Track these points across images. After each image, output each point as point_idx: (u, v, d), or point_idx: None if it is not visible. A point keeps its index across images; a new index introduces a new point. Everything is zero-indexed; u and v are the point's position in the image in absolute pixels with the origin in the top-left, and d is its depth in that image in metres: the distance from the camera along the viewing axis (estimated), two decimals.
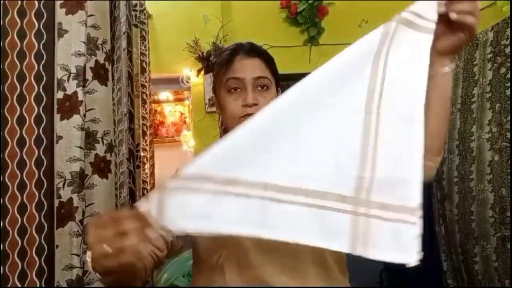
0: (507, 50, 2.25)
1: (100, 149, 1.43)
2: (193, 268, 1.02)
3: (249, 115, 0.95)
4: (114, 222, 0.62)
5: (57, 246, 1.30)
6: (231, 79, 0.98)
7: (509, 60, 2.24)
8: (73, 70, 1.36)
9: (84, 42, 1.37)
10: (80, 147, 1.33)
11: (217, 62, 1.06)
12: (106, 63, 1.48)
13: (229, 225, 0.67)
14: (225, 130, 1.08)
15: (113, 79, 1.58)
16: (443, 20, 0.74)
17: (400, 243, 0.65)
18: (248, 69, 0.97)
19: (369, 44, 0.73)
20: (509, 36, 2.24)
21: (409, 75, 0.72)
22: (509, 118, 2.25)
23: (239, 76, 0.97)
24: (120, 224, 0.61)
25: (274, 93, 1.00)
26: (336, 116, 0.71)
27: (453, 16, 0.73)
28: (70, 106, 1.34)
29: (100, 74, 1.45)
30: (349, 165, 0.68)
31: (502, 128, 2.30)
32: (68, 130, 1.33)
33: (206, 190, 0.66)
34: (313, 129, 0.70)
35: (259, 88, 0.97)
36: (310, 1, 2.90)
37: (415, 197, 0.66)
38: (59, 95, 1.34)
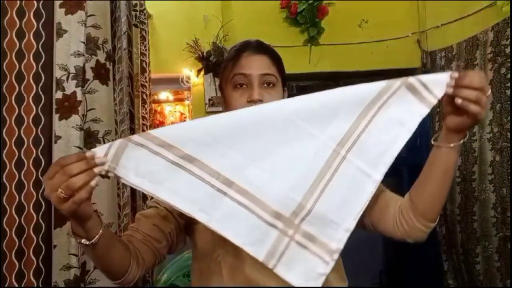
0: (508, 50, 2.25)
1: None
2: (192, 266, 1.02)
3: None
4: (62, 169, 0.66)
5: (55, 246, 1.29)
6: (237, 75, 0.98)
7: (509, 60, 2.24)
8: (72, 70, 1.35)
9: (83, 42, 1.37)
10: (79, 147, 1.33)
11: (224, 58, 1.06)
12: (107, 63, 1.48)
13: (175, 198, 0.71)
14: None
15: (114, 79, 1.58)
16: (452, 100, 0.75)
17: (307, 273, 0.73)
18: (255, 65, 0.97)
19: (368, 91, 0.74)
20: (509, 36, 2.23)
21: (389, 135, 0.75)
22: (509, 118, 2.24)
23: (245, 72, 0.97)
24: (67, 170, 0.66)
25: (280, 91, 1.00)
26: (309, 143, 0.74)
27: (458, 101, 0.74)
28: (69, 106, 1.34)
29: (101, 74, 1.45)
30: (298, 190, 0.74)
31: (502, 128, 2.29)
32: (67, 130, 1.33)
33: (166, 157, 0.70)
34: (283, 146, 0.74)
35: (265, 85, 0.97)
36: (310, 1, 2.89)
37: (340, 242, 0.74)
38: (58, 95, 1.33)
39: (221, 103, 1.08)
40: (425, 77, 0.74)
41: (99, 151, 0.69)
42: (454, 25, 2.75)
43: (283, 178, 0.74)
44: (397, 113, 0.75)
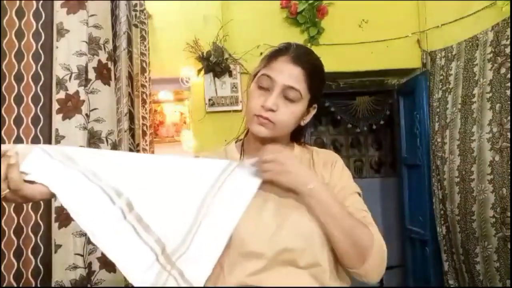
0: (507, 50, 2.25)
1: (105, 148, 1.43)
2: None
3: (262, 117, 0.94)
4: None
5: (60, 245, 1.30)
6: (264, 75, 0.96)
7: (509, 60, 2.24)
8: (75, 70, 1.35)
9: (85, 42, 1.37)
10: (82, 147, 1.33)
11: (269, 52, 1.03)
12: (109, 63, 1.48)
13: (62, 192, 0.79)
14: (246, 123, 1.07)
15: (115, 78, 1.58)
16: None
17: None
18: (284, 74, 0.94)
19: (215, 169, 0.93)
20: (509, 36, 2.23)
21: (234, 199, 0.91)
22: (509, 118, 2.24)
23: (271, 76, 0.95)
24: None
25: (302, 109, 0.98)
26: (189, 193, 0.89)
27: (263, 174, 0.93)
28: (72, 106, 1.34)
29: (103, 73, 1.45)
30: (179, 233, 0.86)
31: (502, 128, 2.29)
32: (71, 129, 1.33)
33: (63, 163, 0.81)
34: (174, 192, 0.88)
35: (286, 97, 0.95)
36: (310, 1, 2.89)
37: (200, 280, 0.85)
38: (60, 94, 1.34)
39: (246, 95, 1.06)
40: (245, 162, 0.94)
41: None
42: (454, 25, 2.75)
43: (172, 221, 0.86)
44: (240, 183, 0.92)
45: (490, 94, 2.37)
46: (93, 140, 1.41)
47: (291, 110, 0.96)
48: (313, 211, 0.92)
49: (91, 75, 1.41)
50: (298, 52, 0.98)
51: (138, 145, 1.95)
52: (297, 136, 1.10)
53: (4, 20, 1.32)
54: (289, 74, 0.94)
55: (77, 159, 0.82)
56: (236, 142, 1.12)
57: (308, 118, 1.04)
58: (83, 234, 1.32)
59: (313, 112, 1.04)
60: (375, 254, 0.91)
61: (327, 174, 1.03)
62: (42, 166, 0.79)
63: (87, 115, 1.36)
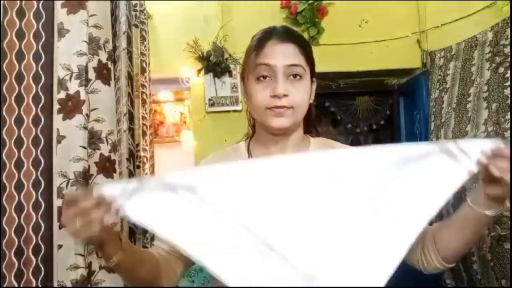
0: (507, 50, 2.25)
1: (105, 148, 1.43)
2: None
3: (278, 107, 0.89)
4: (81, 209, 0.70)
5: (61, 246, 1.30)
6: (260, 65, 0.91)
7: (508, 59, 2.24)
8: (75, 70, 1.36)
9: (86, 42, 1.37)
10: (83, 147, 1.34)
11: (248, 46, 0.98)
12: (109, 63, 1.48)
13: (170, 232, 0.75)
14: (253, 122, 1.02)
15: (115, 78, 1.58)
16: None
17: None
18: (280, 55, 0.90)
19: (407, 153, 0.76)
20: (509, 36, 2.23)
21: (427, 197, 0.76)
22: (507, 117, 2.24)
23: (269, 63, 0.90)
24: (86, 208, 0.70)
25: (307, 84, 0.94)
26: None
27: (493, 170, 0.73)
28: (72, 106, 1.34)
29: (103, 73, 1.45)
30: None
31: (500, 127, 2.29)
32: (71, 129, 1.33)
33: (171, 198, 0.74)
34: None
35: (291, 77, 0.91)
36: (310, 1, 2.89)
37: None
38: (61, 94, 1.34)
39: (243, 94, 1.01)
40: (462, 144, 0.74)
41: (113, 190, 0.73)
42: (454, 25, 2.75)
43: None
44: (436, 178, 0.75)
45: (487, 94, 2.37)
46: (94, 140, 1.41)
47: (301, 88, 0.92)
48: (476, 225, 0.85)
49: (91, 75, 1.41)
50: (282, 31, 0.95)
51: (138, 145, 1.95)
52: (308, 127, 1.05)
53: (5, 20, 1.33)
54: (285, 53, 0.91)
55: (198, 188, 0.75)
56: (245, 140, 1.07)
57: (312, 95, 1.00)
58: None
59: (314, 87, 1.00)
60: None
61: None
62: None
63: (88, 115, 1.37)
